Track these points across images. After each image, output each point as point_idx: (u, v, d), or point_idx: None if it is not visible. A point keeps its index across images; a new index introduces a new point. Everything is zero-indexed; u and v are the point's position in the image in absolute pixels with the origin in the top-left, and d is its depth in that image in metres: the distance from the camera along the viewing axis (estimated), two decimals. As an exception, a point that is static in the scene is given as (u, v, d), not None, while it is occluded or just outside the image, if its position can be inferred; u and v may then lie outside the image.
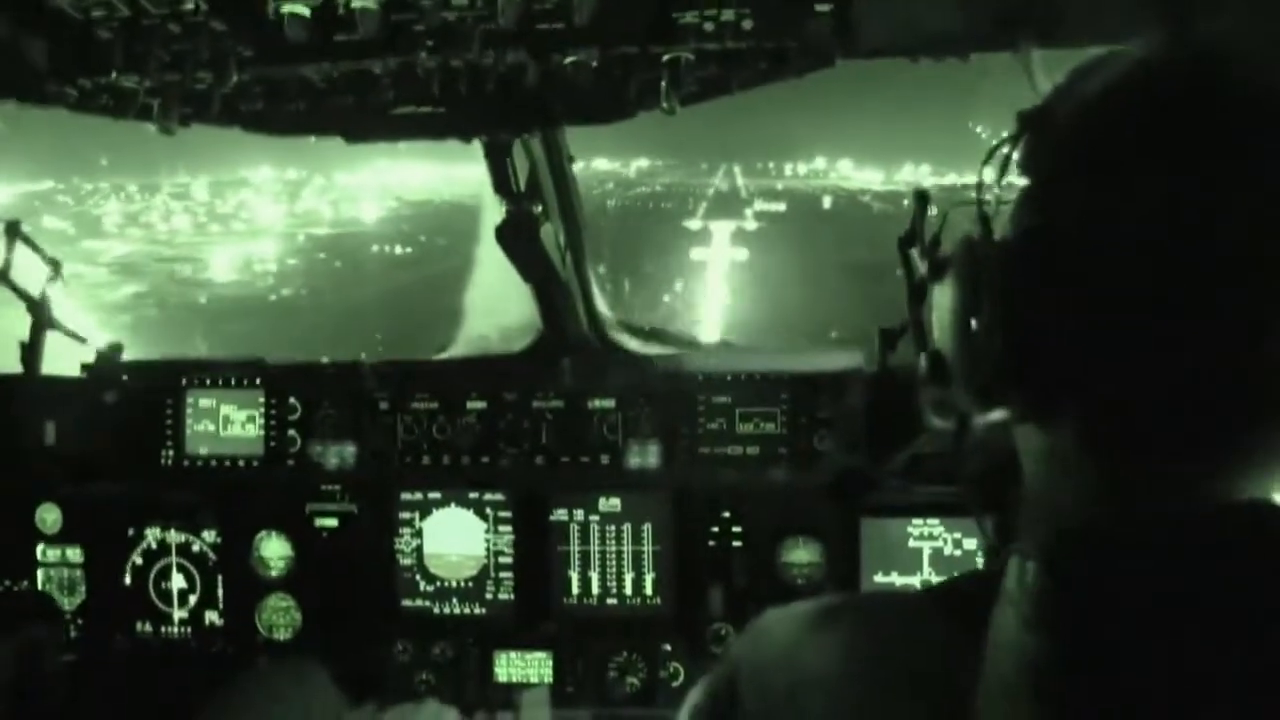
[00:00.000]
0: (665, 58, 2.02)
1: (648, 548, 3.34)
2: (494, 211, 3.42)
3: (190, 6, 1.88)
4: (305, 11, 1.86)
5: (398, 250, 46.19)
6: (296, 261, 43.21)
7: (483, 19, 1.87)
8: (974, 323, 1.09)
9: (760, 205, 72.54)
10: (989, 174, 1.16)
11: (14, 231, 3.34)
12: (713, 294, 34.01)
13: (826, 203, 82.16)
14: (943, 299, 1.15)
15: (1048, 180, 1.08)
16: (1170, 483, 1.03)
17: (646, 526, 3.34)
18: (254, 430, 3.48)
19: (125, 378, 3.59)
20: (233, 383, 3.50)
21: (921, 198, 2.59)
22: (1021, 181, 1.10)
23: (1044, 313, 1.03)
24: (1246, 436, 1.02)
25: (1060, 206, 1.05)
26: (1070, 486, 1.09)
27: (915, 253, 2.59)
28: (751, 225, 56.90)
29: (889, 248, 2.63)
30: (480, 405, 3.37)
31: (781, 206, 71.97)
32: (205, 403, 3.49)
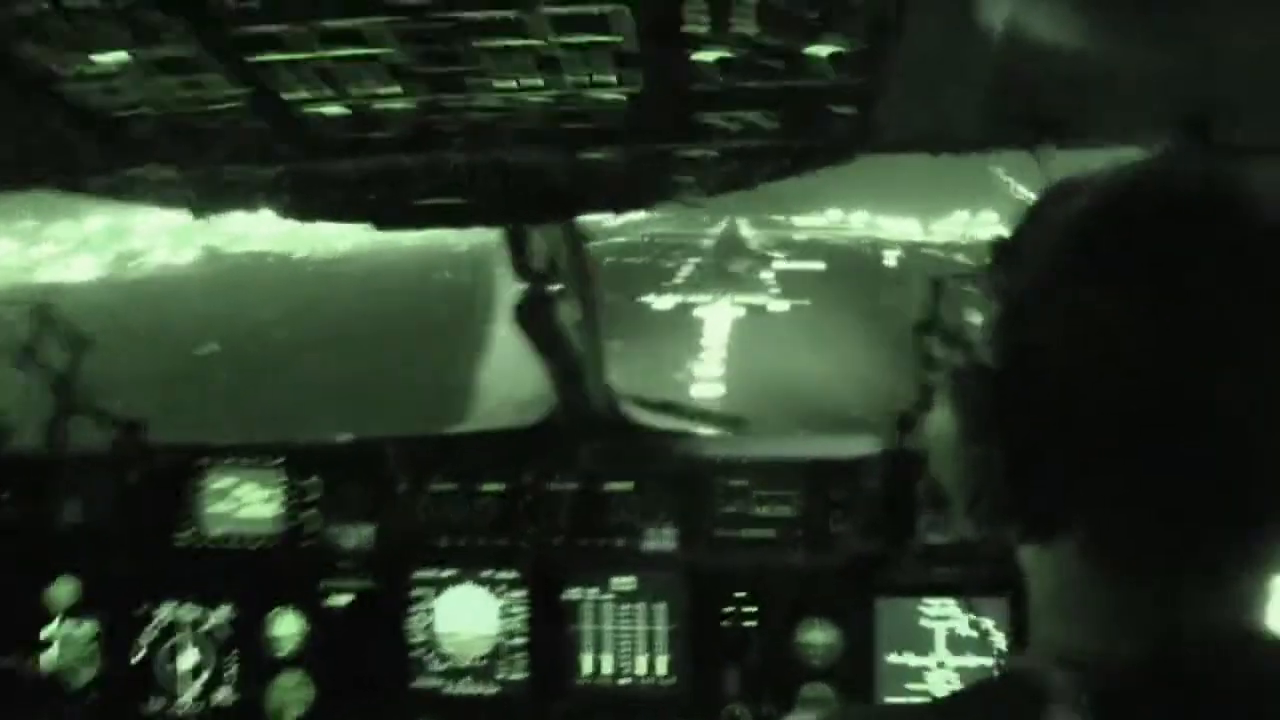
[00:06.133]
0: (690, 155, 2.08)
1: (662, 627, 3.33)
2: (507, 285, 3.50)
3: (228, 106, 1.93)
4: (341, 112, 1.91)
5: None
6: None
7: (511, 119, 1.92)
8: (968, 449, 1.12)
9: (783, 264, 47.47)
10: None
11: (42, 313, 3.39)
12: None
13: (891, 259, 52.22)
14: (937, 421, 1.18)
15: (1030, 301, 1.10)
16: (1175, 609, 1.06)
17: (661, 606, 3.33)
18: (272, 510, 3.49)
19: (146, 457, 3.60)
20: (252, 462, 3.52)
21: (937, 285, 2.63)
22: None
23: (1036, 438, 1.06)
24: (1239, 556, 1.05)
25: (1044, 328, 1.07)
26: (1078, 607, 1.12)
27: (932, 341, 2.63)
28: (778, 303, 32.22)
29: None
30: (498, 487, 3.39)
31: (819, 265, 47.55)
32: (224, 483, 3.51)
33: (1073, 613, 1.12)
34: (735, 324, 27.97)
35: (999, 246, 1.17)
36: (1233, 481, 1.00)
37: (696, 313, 29.60)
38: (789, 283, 38.07)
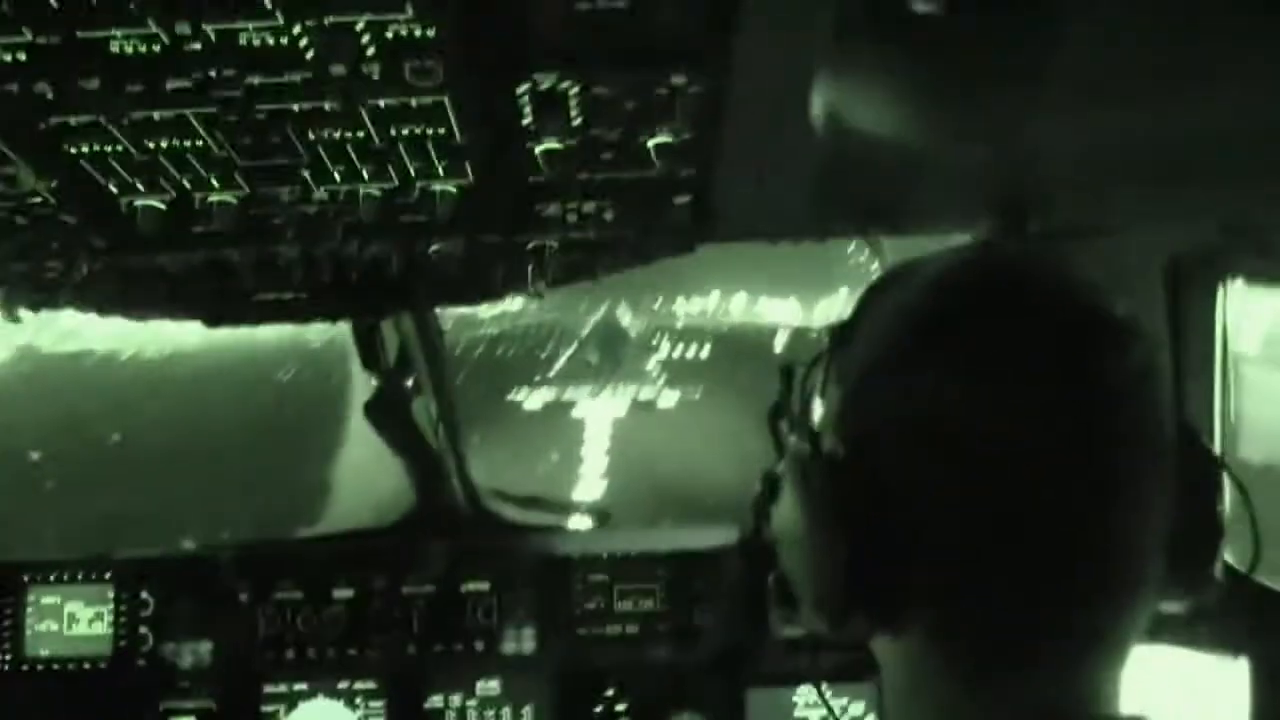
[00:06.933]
0: (530, 246, 2.06)
1: None
2: (360, 382, 3.39)
3: (38, 200, 1.82)
4: (160, 205, 1.82)
5: None
6: None
7: (343, 212, 1.86)
8: (812, 540, 1.09)
9: (664, 352, 43.49)
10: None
11: None
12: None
13: (778, 343, 45.45)
14: (784, 512, 1.15)
15: (864, 388, 1.09)
16: (1023, 699, 1.03)
17: (527, 709, 3.20)
18: (102, 629, 3.22)
19: None
20: (79, 578, 3.25)
21: (787, 372, 2.64)
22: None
23: (877, 527, 1.03)
24: (1083, 643, 1.03)
25: (878, 415, 1.06)
26: (928, 700, 1.09)
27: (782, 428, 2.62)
28: (659, 392, 30.45)
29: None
30: (347, 593, 3.20)
31: (701, 352, 43.43)
32: (48, 600, 3.23)
33: (923, 705, 1.09)
34: (613, 415, 26.75)
35: (835, 332, 1.17)
36: (1072, 568, 1.00)
37: (571, 404, 28.04)
38: (669, 371, 36.69)
